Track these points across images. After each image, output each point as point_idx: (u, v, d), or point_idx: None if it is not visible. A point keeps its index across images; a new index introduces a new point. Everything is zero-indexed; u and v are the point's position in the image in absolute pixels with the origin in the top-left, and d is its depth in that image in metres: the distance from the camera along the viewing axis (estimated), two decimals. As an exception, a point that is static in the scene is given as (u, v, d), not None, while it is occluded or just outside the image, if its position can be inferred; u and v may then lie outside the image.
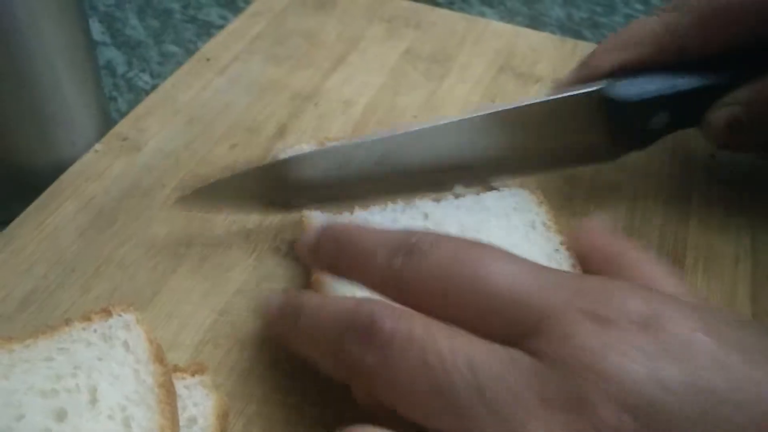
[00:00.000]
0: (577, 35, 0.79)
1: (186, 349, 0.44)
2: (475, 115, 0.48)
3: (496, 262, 0.35)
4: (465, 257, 0.35)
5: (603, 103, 0.48)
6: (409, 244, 0.36)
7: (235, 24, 0.70)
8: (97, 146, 0.56)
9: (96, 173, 0.54)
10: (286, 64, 0.66)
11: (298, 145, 0.54)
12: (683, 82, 0.49)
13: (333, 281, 0.43)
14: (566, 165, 0.53)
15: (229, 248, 0.50)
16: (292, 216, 0.51)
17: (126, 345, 0.37)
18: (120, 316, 0.39)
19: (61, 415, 0.34)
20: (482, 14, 0.81)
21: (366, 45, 0.69)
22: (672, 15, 0.49)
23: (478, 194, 0.51)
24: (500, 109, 0.48)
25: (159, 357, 0.37)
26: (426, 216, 0.49)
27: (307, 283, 0.45)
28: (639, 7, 0.84)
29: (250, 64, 0.66)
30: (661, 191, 0.55)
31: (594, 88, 0.49)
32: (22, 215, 0.51)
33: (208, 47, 0.67)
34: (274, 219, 0.52)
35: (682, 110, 0.50)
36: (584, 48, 0.70)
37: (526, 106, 0.49)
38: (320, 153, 0.49)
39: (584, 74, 0.51)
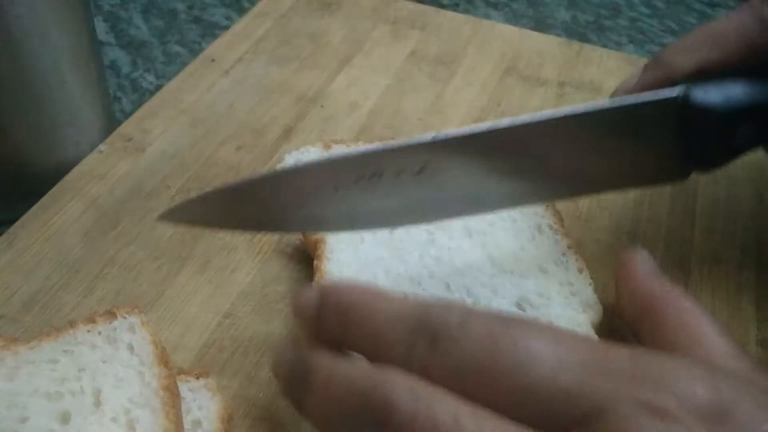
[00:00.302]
0: (583, 38, 0.78)
1: (190, 351, 0.43)
2: (530, 120, 0.40)
3: (536, 345, 0.29)
4: (500, 341, 0.29)
5: (682, 110, 0.40)
6: (432, 325, 0.30)
7: (240, 25, 0.70)
8: (102, 147, 0.56)
9: (100, 174, 0.54)
10: (291, 66, 0.66)
11: (304, 147, 0.54)
12: None
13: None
14: (627, 185, 0.44)
15: (233, 250, 0.49)
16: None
17: (131, 347, 0.37)
18: (125, 318, 0.39)
19: (65, 418, 0.34)
20: (487, 16, 0.81)
21: (371, 46, 0.69)
22: (765, 9, 0.42)
23: None
24: (559, 114, 0.40)
25: (163, 359, 0.37)
26: None
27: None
28: (644, 10, 0.84)
29: (255, 65, 0.65)
30: (666, 197, 0.55)
31: (674, 92, 0.40)
32: (26, 215, 0.51)
33: (213, 48, 0.67)
34: (279, 221, 0.52)
35: None
36: (590, 51, 0.70)
37: (589, 112, 0.40)
38: (331, 162, 0.40)
39: (657, 75, 0.43)
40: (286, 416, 0.41)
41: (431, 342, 0.30)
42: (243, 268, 0.48)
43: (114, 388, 0.35)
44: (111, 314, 0.39)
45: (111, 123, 0.60)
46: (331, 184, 0.39)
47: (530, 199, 0.44)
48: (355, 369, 0.31)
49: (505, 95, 0.64)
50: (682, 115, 0.40)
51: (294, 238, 0.50)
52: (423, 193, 0.40)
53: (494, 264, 0.46)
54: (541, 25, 0.81)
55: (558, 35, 0.77)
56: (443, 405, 0.28)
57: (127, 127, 0.58)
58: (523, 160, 0.41)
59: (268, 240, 0.50)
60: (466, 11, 0.81)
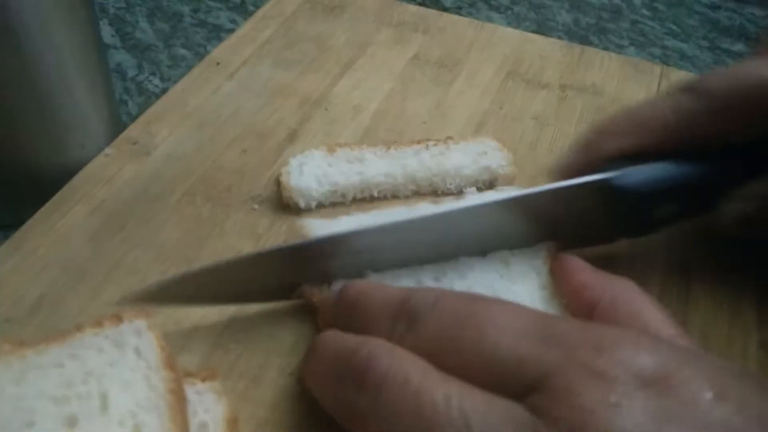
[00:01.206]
0: (584, 40, 0.79)
1: (196, 353, 0.44)
2: (478, 203, 0.45)
3: (496, 318, 0.34)
4: (464, 317, 0.34)
5: (607, 192, 0.45)
6: (408, 308, 0.36)
7: (245, 28, 0.71)
8: (108, 150, 0.57)
9: (106, 177, 0.55)
10: (295, 69, 0.66)
11: (308, 150, 0.55)
12: (693, 172, 0.46)
13: None
14: (569, 246, 0.47)
15: (239, 253, 0.50)
16: (301, 219, 0.52)
17: (137, 351, 0.38)
18: (131, 322, 0.39)
19: (72, 422, 0.34)
20: (490, 19, 0.81)
21: (374, 50, 0.69)
22: (683, 99, 0.45)
23: (479, 192, 0.53)
24: (504, 198, 0.45)
25: (170, 363, 0.38)
26: None
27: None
28: (646, 12, 0.85)
29: (259, 69, 0.66)
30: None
31: (598, 177, 0.45)
32: (32, 219, 0.51)
33: (218, 51, 0.68)
34: (284, 224, 0.52)
35: (692, 201, 0.47)
36: (591, 54, 0.70)
37: (528, 195, 0.45)
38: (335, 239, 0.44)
39: (586, 158, 0.47)
40: (293, 418, 0.41)
41: (408, 321, 0.36)
42: (248, 271, 0.49)
43: (121, 392, 0.35)
44: (118, 318, 0.39)
45: (117, 126, 0.60)
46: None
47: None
48: (347, 339, 0.37)
49: (507, 98, 0.64)
50: (607, 196, 0.45)
51: (299, 234, 0.51)
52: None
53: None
54: (542, 27, 0.81)
55: (559, 38, 0.78)
56: (416, 364, 0.33)
57: (132, 131, 0.59)
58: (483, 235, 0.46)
59: (273, 243, 0.51)
60: (468, 14, 0.82)
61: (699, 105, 0.45)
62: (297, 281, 0.45)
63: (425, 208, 0.50)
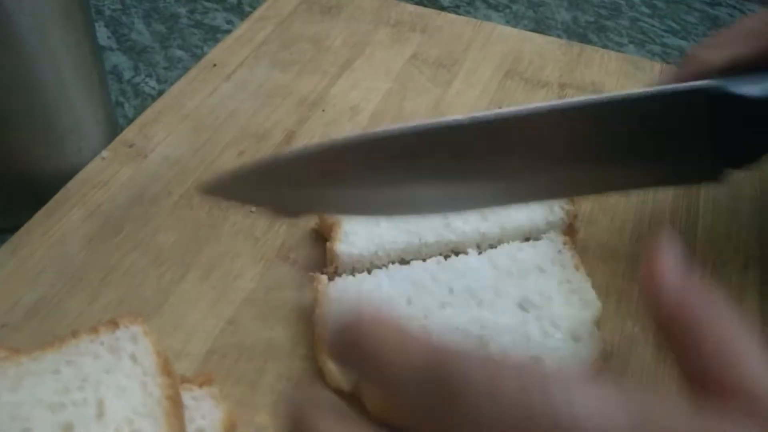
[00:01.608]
0: (583, 38, 0.78)
1: (194, 358, 0.44)
2: (560, 104, 0.38)
3: (579, 412, 0.24)
4: (530, 408, 0.24)
5: (717, 102, 0.39)
6: (448, 382, 0.25)
7: (242, 29, 0.70)
8: (104, 153, 0.56)
9: (102, 180, 0.54)
10: (292, 70, 0.66)
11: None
12: None
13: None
14: (656, 183, 0.42)
15: (236, 256, 0.50)
16: (299, 222, 0.52)
17: (133, 357, 0.37)
18: (127, 328, 0.39)
19: (68, 429, 0.34)
20: (488, 18, 0.81)
21: (372, 50, 0.69)
22: None
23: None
24: (588, 101, 0.38)
25: (166, 369, 0.37)
26: None
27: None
28: (645, 10, 0.84)
29: (256, 70, 0.65)
30: (669, 198, 0.55)
31: (710, 83, 0.39)
32: (29, 223, 0.51)
33: (215, 53, 0.67)
34: (282, 226, 0.52)
35: None
36: (591, 52, 0.70)
37: (615, 99, 0.38)
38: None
39: (692, 70, 0.41)
40: (290, 424, 0.41)
41: (447, 400, 0.25)
42: (246, 274, 0.49)
43: (117, 399, 0.35)
44: (113, 324, 0.39)
45: (113, 129, 0.60)
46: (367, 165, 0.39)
47: (556, 192, 0.42)
48: None
49: (506, 97, 0.64)
50: (717, 107, 0.39)
51: (296, 243, 0.50)
52: (451, 184, 0.39)
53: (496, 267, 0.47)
54: (541, 26, 0.81)
55: (558, 36, 0.77)
56: None
57: (129, 133, 0.58)
58: (550, 148, 0.39)
59: (271, 246, 0.50)
60: (467, 13, 0.81)
61: None
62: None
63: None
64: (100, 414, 0.34)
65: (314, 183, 0.39)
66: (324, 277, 0.45)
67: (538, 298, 0.45)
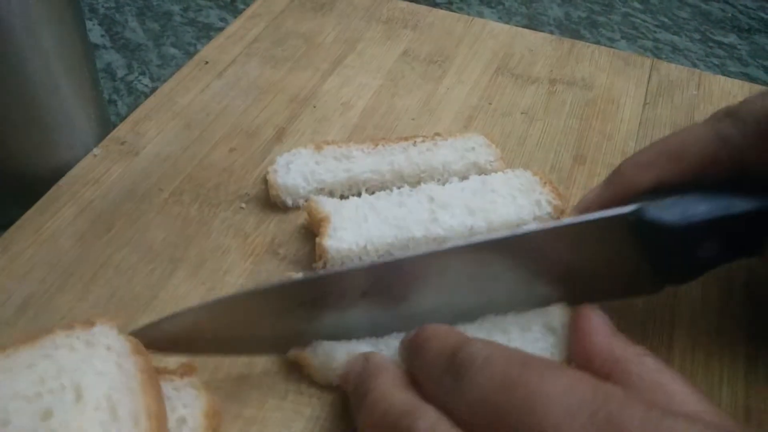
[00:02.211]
0: (576, 34, 0.79)
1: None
2: (486, 240, 0.41)
3: (548, 390, 0.31)
4: (514, 383, 0.32)
5: (640, 228, 0.40)
6: (457, 362, 0.34)
7: (234, 26, 0.70)
8: (96, 150, 0.57)
9: (94, 177, 0.55)
10: (284, 67, 0.66)
11: (296, 149, 0.54)
12: (738, 205, 0.40)
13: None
14: (598, 298, 0.42)
15: (226, 252, 0.50)
16: (288, 218, 0.52)
17: (108, 347, 0.38)
18: (102, 326, 0.39)
19: (47, 415, 0.34)
20: (481, 14, 0.81)
21: (364, 46, 0.69)
22: (724, 124, 0.41)
23: (482, 176, 0.53)
24: (518, 233, 0.41)
25: (139, 350, 0.38)
26: (431, 199, 0.50)
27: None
28: (637, 5, 0.84)
29: (248, 67, 0.66)
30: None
31: (629, 209, 0.40)
32: (20, 220, 0.51)
33: (207, 50, 0.68)
34: (271, 222, 0.52)
35: (737, 238, 0.41)
36: (581, 47, 0.70)
37: (548, 230, 0.41)
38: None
39: (617, 190, 0.43)
40: (277, 416, 0.41)
41: (455, 376, 0.34)
42: (235, 269, 0.49)
43: (94, 381, 0.35)
44: (90, 323, 0.39)
45: (105, 126, 0.60)
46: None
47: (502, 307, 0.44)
48: (397, 399, 0.35)
49: (496, 93, 0.64)
50: (640, 233, 0.40)
51: (285, 238, 0.51)
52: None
53: None
54: (534, 21, 0.81)
55: (551, 32, 0.78)
56: None
57: (120, 131, 0.59)
58: (490, 275, 0.42)
59: (261, 242, 0.51)
60: (460, 9, 0.82)
61: (742, 131, 0.40)
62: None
63: (428, 187, 0.52)
64: (79, 397, 0.34)
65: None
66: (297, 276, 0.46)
67: None
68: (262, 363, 0.44)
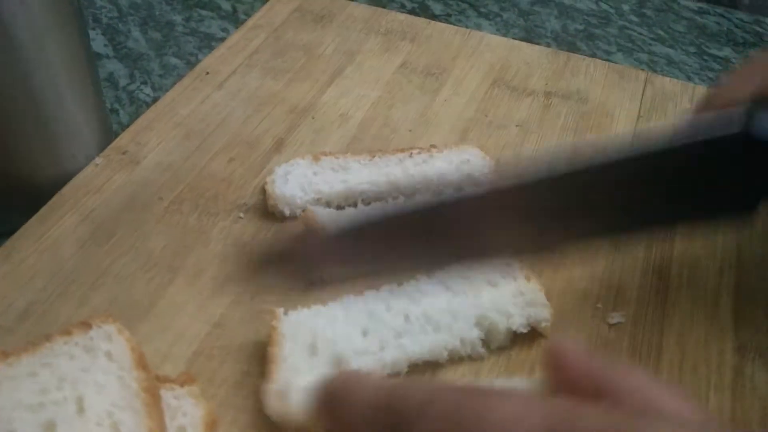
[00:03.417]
0: (572, 47, 0.80)
1: (180, 360, 0.45)
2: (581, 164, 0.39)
3: (501, 422, 0.29)
4: (464, 417, 0.29)
5: (747, 144, 0.38)
6: (393, 415, 0.30)
7: (235, 38, 0.72)
8: (98, 160, 0.58)
9: (96, 186, 0.56)
10: (283, 78, 0.67)
11: (294, 159, 0.55)
12: None
13: None
14: (702, 217, 0.41)
15: (224, 261, 0.51)
16: (286, 227, 0.53)
17: (109, 355, 0.38)
18: (100, 327, 0.40)
19: (50, 427, 0.35)
20: (479, 26, 0.82)
21: (362, 58, 0.70)
22: None
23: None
24: (617, 153, 0.38)
25: (142, 363, 0.39)
26: None
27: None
28: (634, 18, 0.85)
29: (248, 78, 0.67)
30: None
31: (733, 128, 0.38)
32: (23, 228, 0.52)
33: (208, 61, 0.69)
34: (269, 232, 0.53)
35: None
36: (577, 60, 0.71)
37: (644, 151, 0.38)
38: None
39: (714, 108, 0.41)
40: (273, 424, 0.42)
41: (394, 426, 0.30)
42: (233, 278, 0.50)
43: (95, 395, 0.36)
44: (86, 325, 0.40)
45: (107, 136, 0.61)
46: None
47: (597, 234, 0.41)
48: None
49: (492, 106, 0.65)
50: (748, 148, 0.38)
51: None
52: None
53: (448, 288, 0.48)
54: (531, 34, 0.82)
55: (548, 44, 0.79)
56: None
57: (122, 140, 0.60)
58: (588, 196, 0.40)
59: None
60: (458, 22, 0.82)
61: None
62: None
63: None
64: (81, 410, 0.35)
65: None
66: (280, 312, 0.45)
67: (495, 314, 0.46)
68: (258, 372, 0.44)
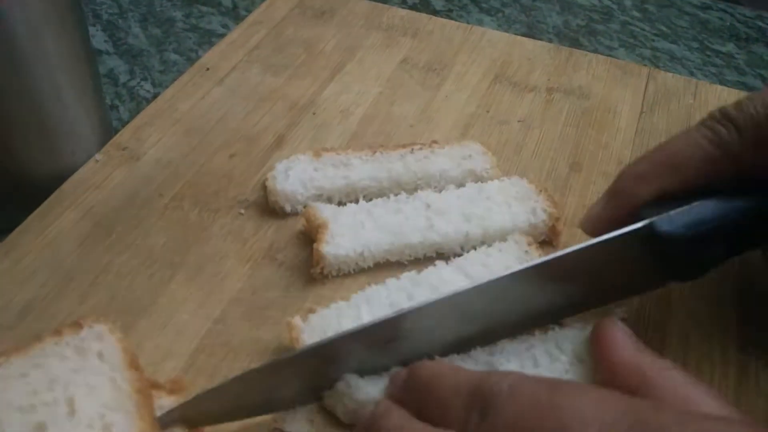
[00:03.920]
0: (574, 42, 0.79)
1: (181, 357, 0.45)
2: (514, 271, 0.42)
3: (580, 409, 0.32)
4: (544, 407, 0.32)
5: (651, 242, 0.41)
6: (482, 395, 0.34)
7: (235, 33, 0.71)
8: (98, 156, 0.57)
9: (96, 183, 0.55)
10: (284, 74, 0.67)
11: (294, 155, 0.55)
12: (741, 207, 0.41)
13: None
14: (612, 300, 0.45)
15: (224, 257, 0.51)
16: (287, 224, 0.53)
17: (100, 355, 0.38)
18: (91, 327, 0.40)
19: (40, 429, 0.34)
20: (480, 22, 0.82)
21: (363, 54, 0.70)
22: (722, 130, 0.42)
23: (478, 183, 0.54)
24: (540, 262, 0.42)
25: (134, 364, 0.38)
26: (428, 206, 0.51)
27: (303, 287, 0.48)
28: (636, 14, 0.85)
29: (248, 74, 0.67)
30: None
31: (641, 225, 0.41)
32: (23, 224, 0.52)
33: (208, 57, 0.68)
34: (270, 228, 0.53)
35: (740, 239, 0.43)
36: (579, 56, 0.71)
37: (565, 255, 0.42)
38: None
39: (620, 205, 0.44)
40: (272, 418, 0.42)
41: (482, 410, 0.34)
42: (233, 275, 0.50)
43: (87, 396, 0.36)
44: (77, 325, 0.40)
45: (107, 132, 0.61)
46: None
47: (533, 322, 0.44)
48: (418, 426, 0.35)
49: (494, 101, 0.65)
50: (652, 244, 0.41)
51: (283, 244, 0.51)
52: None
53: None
54: (533, 30, 0.81)
55: (550, 40, 0.78)
56: None
57: (122, 137, 0.59)
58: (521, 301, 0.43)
59: (259, 247, 0.51)
60: (459, 17, 0.82)
61: (740, 138, 0.41)
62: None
63: (424, 194, 0.52)
64: (72, 412, 0.35)
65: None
66: (297, 321, 0.44)
67: None
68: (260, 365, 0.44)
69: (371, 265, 0.50)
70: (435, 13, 0.80)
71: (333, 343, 0.40)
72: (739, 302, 0.49)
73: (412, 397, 0.38)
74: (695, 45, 0.81)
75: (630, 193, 0.44)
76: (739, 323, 0.48)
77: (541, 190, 0.53)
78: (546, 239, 0.52)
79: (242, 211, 0.54)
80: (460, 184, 0.54)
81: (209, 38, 0.78)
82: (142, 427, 0.35)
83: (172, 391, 0.40)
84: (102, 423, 0.35)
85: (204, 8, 0.82)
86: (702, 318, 0.49)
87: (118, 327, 0.41)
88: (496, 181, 0.54)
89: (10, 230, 0.52)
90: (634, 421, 0.30)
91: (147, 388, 0.37)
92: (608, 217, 0.44)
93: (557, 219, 0.51)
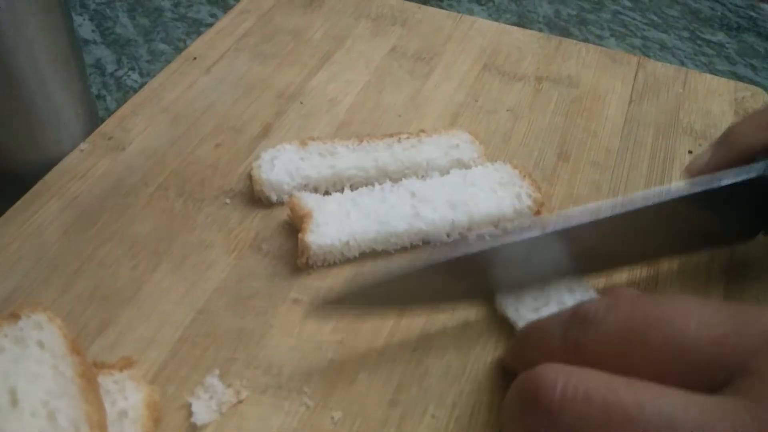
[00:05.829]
0: (565, 32, 0.79)
1: (164, 346, 0.44)
2: (629, 209, 0.42)
3: (682, 309, 0.32)
4: (648, 311, 0.33)
5: (764, 188, 0.42)
6: (581, 313, 0.35)
7: (223, 22, 0.71)
8: (83, 145, 0.57)
9: (80, 172, 0.55)
10: (272, 63, 0.66)
11: (281, 144, 0.55)
12: None
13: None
14: (704, 249, 0.48)
15: (209, 247, 0.50)
16: (273, 213, 0.52)
17: (40, 344, 0.38)
18: (29, 317, 0.39)
19: None
20: (471, 11, 0.81)
21: (352, 43, 0.69)
22: None
23: (462, 170, 0.54)
24: (652, 202, 0.42)
25: (76, 349, 0.38)
26: (413, 194, 0.51)
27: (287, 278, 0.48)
28: (627, 3, 0.85)
29: (236, 63, 0.66)
30: (640, 190, 0.56)
31: (754, 174, 0.42)
32: (6, 213, 0.52)
33: (195, 46, 0.68)
34: (255, 218, 0.52)
35: None
36: (569, 45, 0.70)
37: (677, 200, 0.42)
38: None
39: (730, 153, 0.45)
40: (260, 410, 0.41)
41: (583, 324, 0.34)
42: (218, 264, 0.49)
43: (29, 385, 0.35)
44: (15, 316, 0.39)
45: (93, 121, 0.60)
46: None
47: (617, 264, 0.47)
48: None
49: (483, 91, 0.65)
50: (764, 192, 0.42)
51: (269, 234, 0.51)
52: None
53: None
54: (523, 19, 0.81)
55: (540, 30, 0.78)
56: (592, 377, 0.31)
57: (107, 126, 0.59)
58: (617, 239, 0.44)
59: (244, 237, 0.51)
60: (450, 6, 0.82)
61: None
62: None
63: (409, 182, 0.53)
64: (14, 402, 0.35)
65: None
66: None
67: None
68: (243, 358, 0.44)
69: (357, 255, 0.49)
70: (425, 2, 0.80)
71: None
72: (725, 290, 0.49)
73: (516, 355, 0.41)
74: (686, 34, 0.81)
75: (742, 141, 0.45)
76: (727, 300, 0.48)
77: (525, 175, 0.53)
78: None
79: (228, 200, 0.53)
80: (447, 173, 0.54)
81: (197, 28, 0.77)
82: (87, 409, 0.35)
83: (123, 367, 0.40)
84: (46, 410, 0.34)
85: (192, -3, 0.82)
86: (690, 294, 0.49)
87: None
88: (480, 168, 0.54)
89: (-7, 220, 0.51)
90: (733, 313, 0.32)
91: (90, 371, 0.37)
92: (717, 165, 0.45)
93: (542, 204, 0.51)
